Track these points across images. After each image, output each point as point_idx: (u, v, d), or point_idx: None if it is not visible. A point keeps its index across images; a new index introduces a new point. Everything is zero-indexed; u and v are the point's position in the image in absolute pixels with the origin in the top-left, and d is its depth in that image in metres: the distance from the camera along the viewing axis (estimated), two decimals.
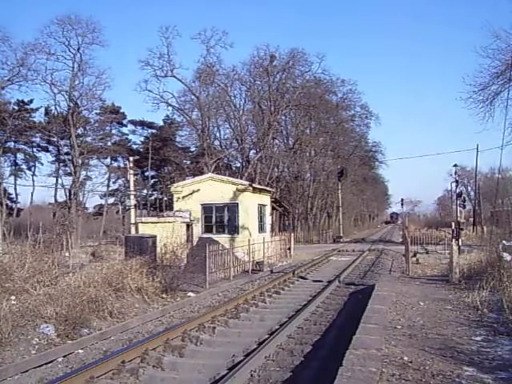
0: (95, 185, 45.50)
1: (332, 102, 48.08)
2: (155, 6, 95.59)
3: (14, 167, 45.03)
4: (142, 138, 54.24)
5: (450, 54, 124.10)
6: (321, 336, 7.52)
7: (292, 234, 27.39)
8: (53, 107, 38.70)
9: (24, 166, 46.26)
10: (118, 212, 51.30)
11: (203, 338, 7.47)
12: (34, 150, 45.93)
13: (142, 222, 19.19)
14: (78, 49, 35.57)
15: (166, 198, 50.08)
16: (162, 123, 53.41)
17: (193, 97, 41.26)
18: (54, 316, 7.91)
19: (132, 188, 23.11)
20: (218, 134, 45.91)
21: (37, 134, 41.40)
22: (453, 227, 14.69)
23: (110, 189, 51.13)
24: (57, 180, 45.12)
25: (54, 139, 39.60)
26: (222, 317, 8.93)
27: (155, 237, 14.34)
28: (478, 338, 6.45)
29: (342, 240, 41.66)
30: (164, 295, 11.53)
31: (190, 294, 12.21)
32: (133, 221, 21.55)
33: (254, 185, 22.99)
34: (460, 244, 16.17)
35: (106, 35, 37.44)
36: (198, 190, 21.54)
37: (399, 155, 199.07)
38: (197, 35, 39.40)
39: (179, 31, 61.39)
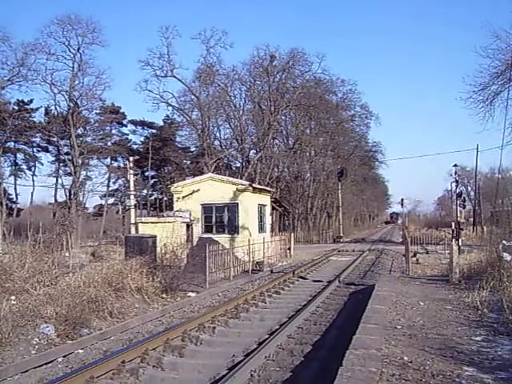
0: (95, 185, 45.55)
1: (332, 102, 48.09)
2: (155, 6, 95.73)
3: (13, 167, 45.11)
4: (142, 138, 54.38)
5: (450, 54, 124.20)
6: (321, 336, 7.51)
7: (292, 234, 27.40)
8: (53, 107, 38.78)
9: (24, 166, 46.39)
10: (117, 212, 51.30)
11: (203, 338, 7.47)
12: (34, 150, 46.05)
13: (142, 222, 19.20)
14: (78, 49, 35.60)
15: (166, 198, 50.09)
16: (162, 123, 53.51)
17: (193, 97, 41.28)
18: (54, 316, 7.91)
19: (132, 188, 23.11)
20: (218, 134, 46.01)
21: (37, 134, 41.47)
22: (453, 227, 14.69)
23: (110, 189, 51.22)
24: (57, 180, 45.21)
25: (54, 139, 39.60)
26: (222, 317, 8.93)
27: (155, 237, 14.34)
28: (478, 338, 6.45)
29: (341, 240, 41.67)
30: (164, 295, 11.53)
31: (190, 294, 12.21)
32: (133, 221, 21.55)
33: (254, 185, 23.00)
34: (460, 244, 16.17)
35: (106, 35, 37.52)
36: (198, 189, 21.54)
37: (399, 155, 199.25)
38: (197, 35, 39.47)
39: (179, 31, 61.59)
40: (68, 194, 40.89)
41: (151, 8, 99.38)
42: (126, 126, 52.75)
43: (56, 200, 43.41)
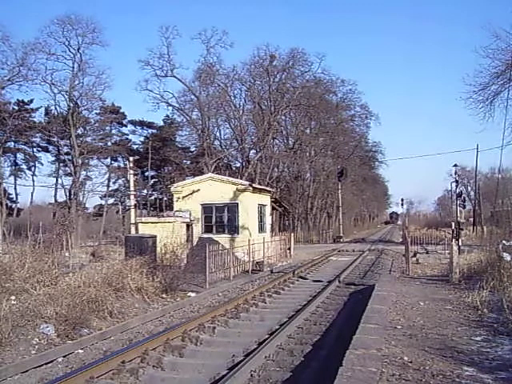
0: (95, 185, 45.46)
1: (332, 101, 48.08)
2: (155, 6, 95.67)
3: (13, 167, 45.08)
4: (141, 138, 54.31)
5: (450, 54, 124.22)
6: (321, 336, 7.52)
7: (292, 234, 27.37)
8: (53, 107, 38.82)
9: (24, 166, 46.34)
10: (117, 212, 51.23)
11: (203, 338, 7.47)
12: (34, 150, 46.00)
13: (142, 222, 19.19)
14: (78, 49, 35.63)
15: (165, 198, 50.07)
16: (162, 123, 53.47)
17: (193, 97, 41.31)
18: (54, 316, 7.91)
19: (132, 188, 23.08)
20: (218, 134, 45.98)
21: (37, 134, 41.43)
22: (453, 227, 14.72)
23: (110, 189, 51.16)
24: (57, 180, 45.14)
25: (54, 139, 39.58)
26: (222, 317, 8.93)
27: (155, 237, 14.34)
28: (478, 338, 6.45)
29: (341, 240, 41.66)
30: (164, 295, 11.53)
31: (190, 294, 12.20)
32: (133, 221, 21.53)
33: (254, 185, 22.99)
34: (460, 244, 16.21)
35: (106, 35, 37.68)
36: (198, 190, 21.54)
37: (399, 155, 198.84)
38: (197, 35, 39.50)
39: (179, 31, 61.37)
40: (68, 194, 40.94)
41: (151, 8, 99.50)
42: (125, 126, 52.77)
43: (56, 200, 43.42)
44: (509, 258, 10.00)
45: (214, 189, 21.36)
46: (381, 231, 76.74)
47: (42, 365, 6.32)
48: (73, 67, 35.76)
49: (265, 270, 17.69)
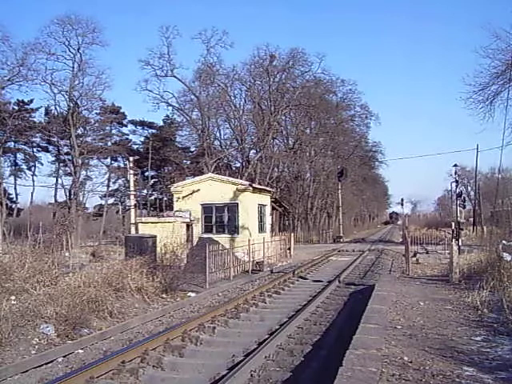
0: (95, 185, 45.54)
1: (332, 102, 48.12)
2: (155, 6, 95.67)
3: (13, 167, 45.10)
4: (141, 138, 54.31)
5: (450, 54, 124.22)
6: (321, 336, 7.52)
7: (292, 234, 27.38)
8: (53, 107, 38.84)
9: (24, 166, 46.35)
10: (117, 212, 51.23)
11: (203, 338, 7.47)
12: (34, 150, 46.02)
13: (142, 222, 19.20)
14: (78, 49, 35.67)
15: (166, 198, 50.07)
16: (162, 123, 53.47)
17: (193, 97, 41.32)
18: (54, 316, 7.90)
19: (132, 188, 23.09)
20: (218, 134, 46.01)
21: (37, 134, 41.43)
22: (453, 227, 14.71)
23: (110, 189, 51.14)
24: (57, 180, 45.16)
25: (54, 139, 39.60)
26: (222, 317, 8.93)
27: (155, 237, 14.34)
28: (478, 338, 6.45)
29: (341, 240, 41.66)
30: (164, 295, 11.53)
31: (190, 294, 12.20)
32: (133, 221, 21.54)
33: (254, 185, 22.99)
34: (460, 244, 16.20)
35: (106, 35, 37.63)
36: (198, 190, 21.54)
37: (399, 155, 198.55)
38: (197, 35, 39.54)
39: (179, 31, 61.42)
40: (68, 194, 40.97)
41: (151, 8, 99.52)
42: (126, 126, 52.78)
43: (56, 200, 43.44)
44: (509, 258, 10.01)
45: (213, 189, 21.36)
46: (381, 231, 76.73)
47: (42, 365, 6.32)
48: (73, 67, 35.83)
49: (265, 270, 17.69)
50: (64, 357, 6.71)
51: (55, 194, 43.87)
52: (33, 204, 44.24)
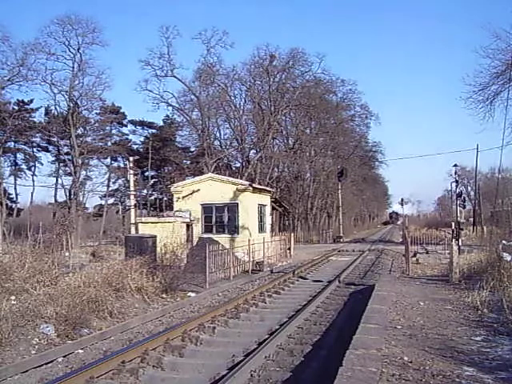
0: (95, 185, 45.51)
1: (332, 101, 48.11)
2: (155, 6, 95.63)
3: (13, 167, 45.09)
4: (141, 138, 54.34)
5: (450, 54, 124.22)
6: (321, 336, 7.51)
7: (292, 234, 27.39)
8: (53, 107, 38.83)
9: (24, 166, 46.35)
10: (117, 212, 51.25)
11: (203, 338, 7.47)
12: (34, 150, 46.02)
13: (142, 222, 19.20)
14: (78, 49, 35.66)
15: (166, 198, 50.08)
16: (162, 123, 53.50)
17: (193, 97, 41.32)
18: (54, 316, 7.90)
19: (132, 188, 23.09)
20: (218, 134, 46.00)
21: (37, 134, 41.45)
22: (453, 227, 14.71)
23: (110, 189, 51.16)
24: (57, 180, 45.17)
25: (54, 139, 39.60)
26: (222, 317, 8.93)
27: (155, 237, 14.34)
28: (478, 338, 6.45)
29: (341, 240, 41.66)
30: (164, 295, 11.53)
31: (190, 294, 12.21)
32: (133, 221, 21.54)
33: (254, 185, 22.99)
34: (460, 244, 16.20)
35: (105, 35, 37.62)
36: (198, 189, 21.54)
37: (399, 155, 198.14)
38: (197, 35, 39.52)
39: (179, 31, 61.43)
40: (68, 194, 40.96)
41: (151, 8, 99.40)
42: (126, 126, 52.80)
43: (56, 200, 43.45)
44: (509, 258, 10.01)
45: (213, 189, 21.36)
46: (381, 231, 76.74)
47: (42, 365, 6.32)
48: (73, 67, 35.82)
49: (265, 270, 17.69)
50: (64, 357, 6.71)
51: (55, 194, 43.96)
52: (33, 204, 44.32)
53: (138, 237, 14.62)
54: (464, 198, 32.48)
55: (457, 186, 30.45)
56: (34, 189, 42.86)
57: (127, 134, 53.17)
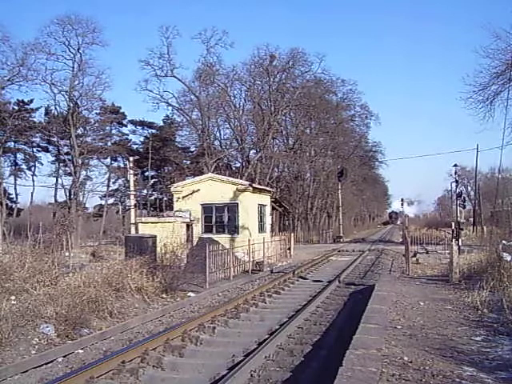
0: (95, 185, 45.45)
1: (332, 101, 48.11)
2: (155, 6, 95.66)
3: (13, 167, 45.05)
4: (141, 138, 54.32)
5: (450, 54, 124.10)
6: (321, 336, 7.51)
7: (292, 234, 27.38)
8: (53, 107, 38.81)
9: (24, 166, 46.30)
10: (117, 212, 51.27)
11: (203, 338, 7.46)
12: (34, 150, 45.97)
13: (142, 222, 19.20)
14: (78, 49, 35.65)
15: (166, 198, 50.07)
16: (162, 123, 53.48)
17: (193, 97, 41.32)
18: (54, 316, 7.90)
19: (132, 188, 23.10)
20: (218, 134, 46.01)
21: (37, 134, 41.43)
22: (453, 227, 14.71)
23: (110, 189, 51.13)
24: (57, 180, 45.14)
25: (54, 139, 39.57)
26: (222, 317, 8.93)
27: (155, 237, 14.34)
28: (478, 338, 6.45)
29: (341, 240, 41.65)
30: (164, 295, 11.53)
31: (190, 293, 12.21)
32: (133, 221, 21.55)
33: (254, 185, 22.99)
34: (460, 244, 16.20)
35: (106, 35, 37.64)
36: (198, 190, 21.54)
37: (399, 155, 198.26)
38: (197, 35, 39.51)
39: (179, 31, 61.41)
40: (68, 194, 40.93)
41: (151, 8, 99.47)
42: (126, 126, 52.78)
43: (56, 200, 43.42)
44: (509, 258, 10.01)
45: (213, 189, 21.37)
46: (381, 231, 76.70)
47: (42, 365, 6.32)
48: (73, 67, 35.81)
49: (265, 270, 17.69)
50: (64, 357, 6.71)
51: (55, 194, 43.92)
52: (33, 204, 44.30)
53: (138, 237, 14.62)
54: (464, 198, 32.50)
55: (457, 186, 30.46)
56: (33, 189, 42.90)
57: (127, 134, 53.24)
